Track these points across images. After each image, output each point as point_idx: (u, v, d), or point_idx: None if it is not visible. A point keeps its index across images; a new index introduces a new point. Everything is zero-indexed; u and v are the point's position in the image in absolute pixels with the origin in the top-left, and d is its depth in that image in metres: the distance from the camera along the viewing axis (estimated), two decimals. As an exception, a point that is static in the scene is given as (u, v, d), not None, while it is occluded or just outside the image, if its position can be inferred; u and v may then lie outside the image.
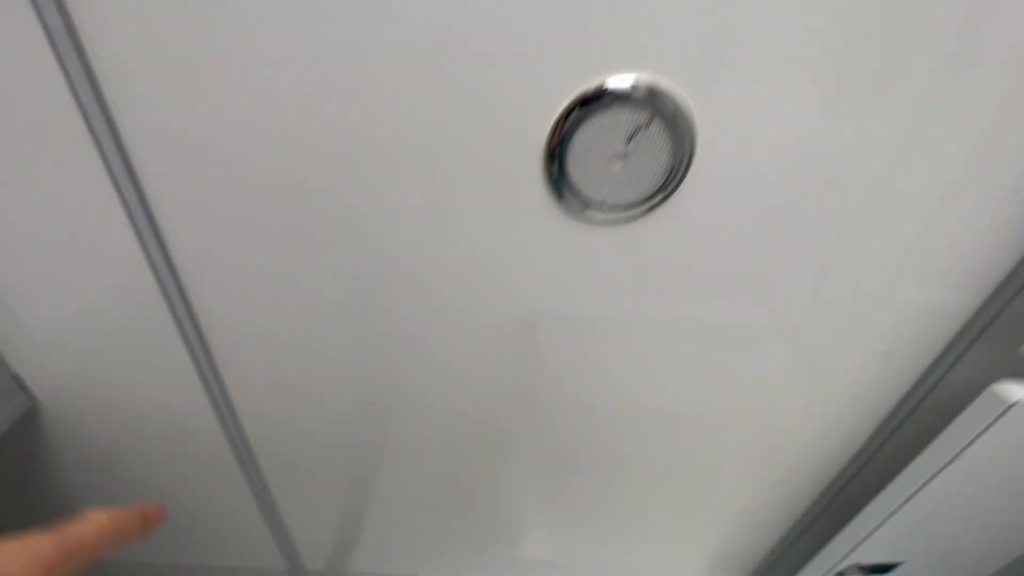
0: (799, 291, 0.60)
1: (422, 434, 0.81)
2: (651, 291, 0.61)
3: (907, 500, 0.66)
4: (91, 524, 0.33)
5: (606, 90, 0.44)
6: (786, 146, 0.49)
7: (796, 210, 0.54)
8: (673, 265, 0.58)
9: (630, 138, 0.46)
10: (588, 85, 0.45)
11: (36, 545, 0.29)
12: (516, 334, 0.66)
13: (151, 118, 0.50)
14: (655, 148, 0.47)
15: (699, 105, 0.46)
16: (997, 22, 0.42)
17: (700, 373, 0.70)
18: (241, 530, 0.99)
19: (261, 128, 0.50)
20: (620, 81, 0.44)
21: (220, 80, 0.47)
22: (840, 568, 0.79)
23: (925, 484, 0.64)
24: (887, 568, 0.78)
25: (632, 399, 0.74)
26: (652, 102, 0.44)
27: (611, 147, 0.47)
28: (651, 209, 0.52)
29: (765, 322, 0.64)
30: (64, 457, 0.84)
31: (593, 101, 0.44)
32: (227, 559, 1.07)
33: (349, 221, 0.56)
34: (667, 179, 0.49)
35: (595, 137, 0.46)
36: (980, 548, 0.75)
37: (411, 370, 0.71)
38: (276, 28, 0.44)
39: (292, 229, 0.57)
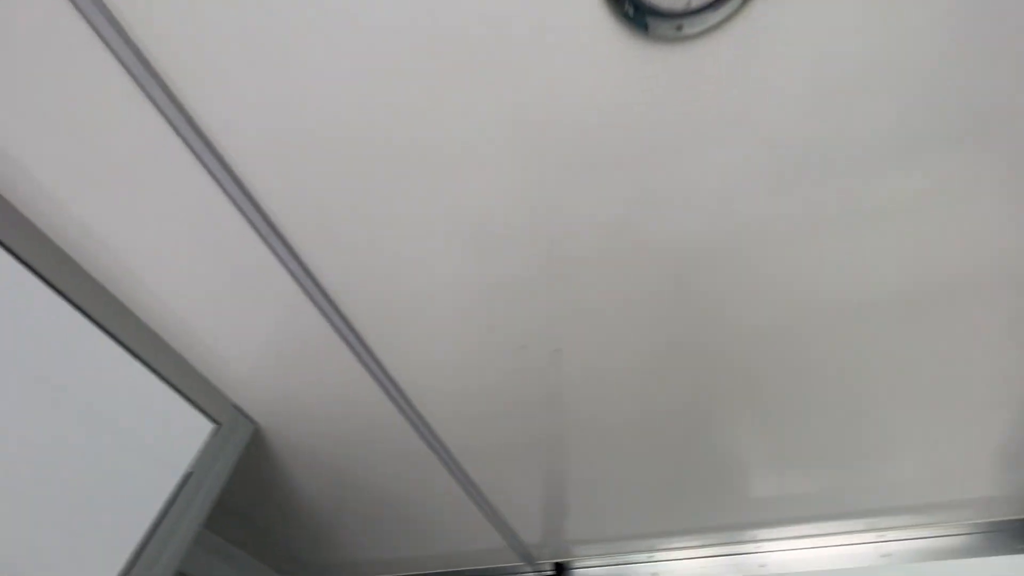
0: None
1: (611, 379, 0.76)
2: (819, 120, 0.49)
3: None
4: None
5: None
6: None
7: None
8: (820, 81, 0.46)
9: None
10: None
11: None
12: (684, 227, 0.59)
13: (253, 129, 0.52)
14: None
15: None
16: None
17: (911, 248, 0.59)
18: (459, 517, 1.03)
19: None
20: None
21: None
22: None
23: None
24: None
25: (834, 295, 0.64)
26: None
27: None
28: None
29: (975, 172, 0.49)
30: (293, 471, 0.95)
31: None
32: (455, 545, 1.12)
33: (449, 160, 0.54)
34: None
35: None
36: None
37: (573, 305, 0.67)
38: None
39: (392, 176, 0.56)
